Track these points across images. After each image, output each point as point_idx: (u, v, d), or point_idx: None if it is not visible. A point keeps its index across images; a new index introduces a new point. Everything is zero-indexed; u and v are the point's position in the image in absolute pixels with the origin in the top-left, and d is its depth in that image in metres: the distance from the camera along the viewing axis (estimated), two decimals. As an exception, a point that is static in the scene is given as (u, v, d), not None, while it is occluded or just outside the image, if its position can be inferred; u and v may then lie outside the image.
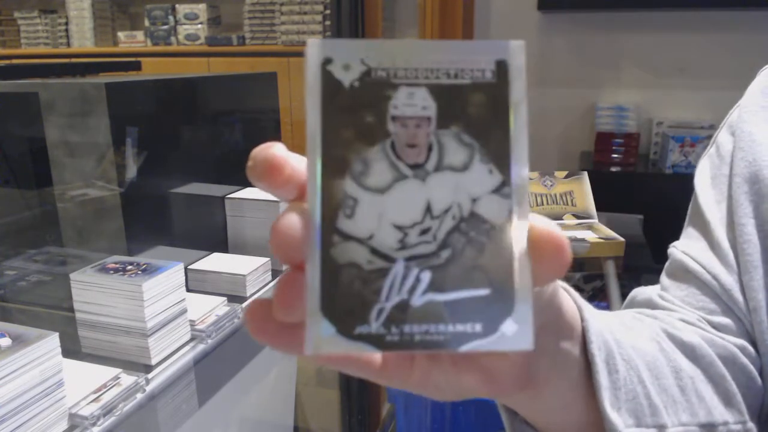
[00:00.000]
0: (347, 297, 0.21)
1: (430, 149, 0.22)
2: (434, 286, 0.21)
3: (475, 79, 0.22)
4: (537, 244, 0.22)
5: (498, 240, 0.21)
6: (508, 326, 0.21)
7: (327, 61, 0.21)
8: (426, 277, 0.21)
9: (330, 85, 0.21)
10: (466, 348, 0.21)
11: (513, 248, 0.21)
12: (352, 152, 0.21)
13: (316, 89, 0.21)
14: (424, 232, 0.21)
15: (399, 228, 0.21)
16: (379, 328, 0.21)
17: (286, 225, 0.21)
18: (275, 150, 0.22)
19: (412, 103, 0.22)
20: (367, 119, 0.21)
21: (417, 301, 0.21)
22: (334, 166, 0.21)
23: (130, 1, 3.49)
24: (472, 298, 0.21)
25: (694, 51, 2.27)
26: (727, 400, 0.42)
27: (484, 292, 0.21)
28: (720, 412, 0.42)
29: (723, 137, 0.52)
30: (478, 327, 0.21)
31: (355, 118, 0.21)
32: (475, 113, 0.22)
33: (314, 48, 0.21)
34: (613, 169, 2.26)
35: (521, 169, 0.22)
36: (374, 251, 0.21)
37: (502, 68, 0.22)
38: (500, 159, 0.22)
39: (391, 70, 0.22)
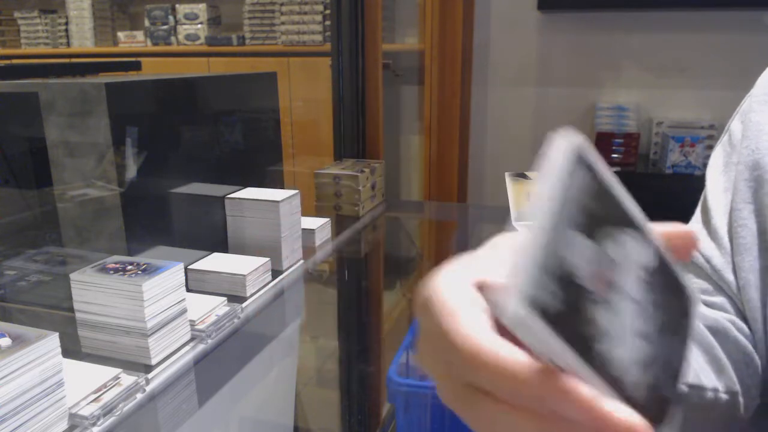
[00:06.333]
0: None
1: None
2: None
3: None
4: None
5: None
6: None
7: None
8: None
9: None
10: None
11: None
12: None
13: None
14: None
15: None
16: None
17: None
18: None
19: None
20: None
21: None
22: None
23: (130, 1, 3.49)
24: None
25: (694, 51, 2.27)
26: (719, 369, 0.43)
27: None
28: (710, 379, 0.42)
29: (735, 126, 0.53)
30: None
31: None
32: None
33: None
34: (613, 169, 2.25)
35: None
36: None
37: None
38: None
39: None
